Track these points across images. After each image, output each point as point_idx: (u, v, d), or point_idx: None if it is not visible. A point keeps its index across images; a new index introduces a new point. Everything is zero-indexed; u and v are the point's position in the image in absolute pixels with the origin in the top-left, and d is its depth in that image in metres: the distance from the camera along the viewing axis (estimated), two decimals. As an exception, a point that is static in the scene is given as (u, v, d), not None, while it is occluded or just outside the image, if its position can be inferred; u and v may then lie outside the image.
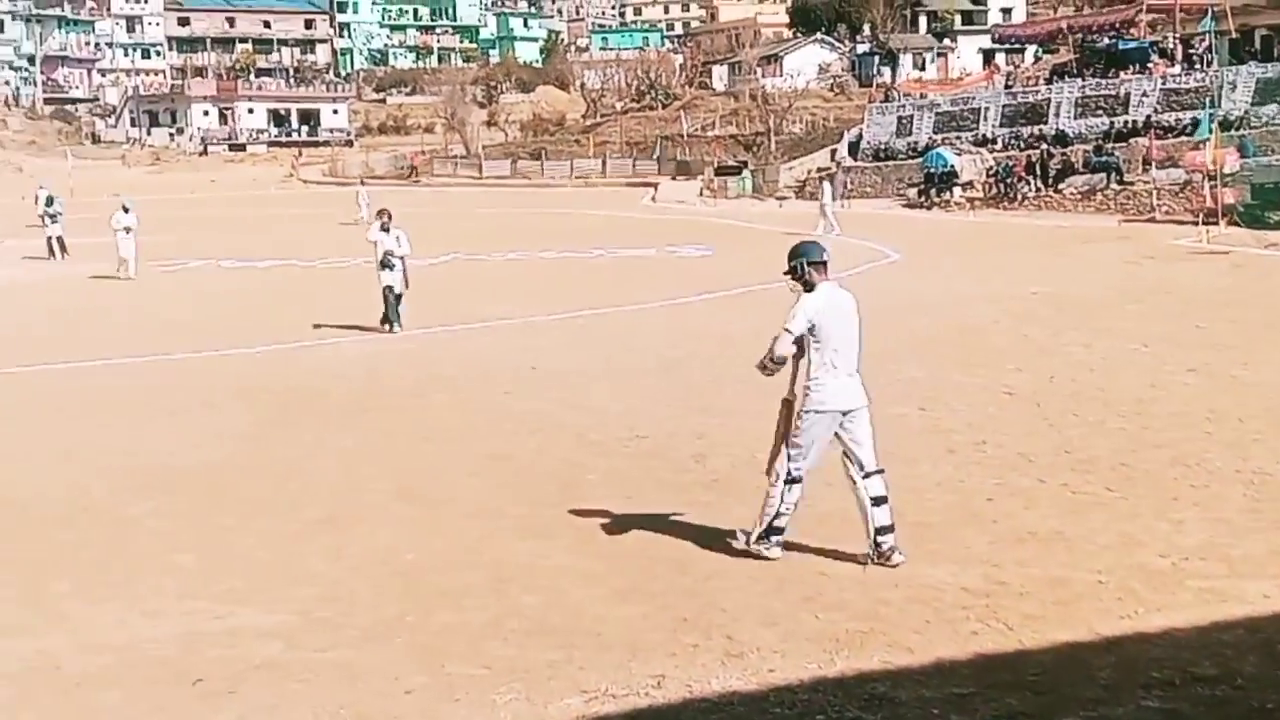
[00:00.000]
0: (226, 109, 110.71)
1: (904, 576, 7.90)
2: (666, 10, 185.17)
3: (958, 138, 52.39)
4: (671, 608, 7.49)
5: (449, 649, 6.93)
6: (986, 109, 53.79)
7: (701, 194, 59.59)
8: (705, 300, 23.11)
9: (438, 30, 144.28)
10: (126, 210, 28.63)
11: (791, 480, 8.11)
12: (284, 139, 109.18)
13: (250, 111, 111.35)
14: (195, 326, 21.28)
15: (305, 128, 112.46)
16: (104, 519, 9.85)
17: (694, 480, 10.49)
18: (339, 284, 27.08)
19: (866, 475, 8.07)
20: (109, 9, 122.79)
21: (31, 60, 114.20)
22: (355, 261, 27.46)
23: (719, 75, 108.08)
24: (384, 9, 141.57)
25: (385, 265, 19.31)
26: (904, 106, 58.91)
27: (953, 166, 47.74)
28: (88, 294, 26.92)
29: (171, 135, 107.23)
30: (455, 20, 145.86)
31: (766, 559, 8.20)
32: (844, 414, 7.99)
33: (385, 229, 19.50)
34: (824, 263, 8.10)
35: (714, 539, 8.73)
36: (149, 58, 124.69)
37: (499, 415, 13.31)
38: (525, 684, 6.41)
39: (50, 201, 34.53)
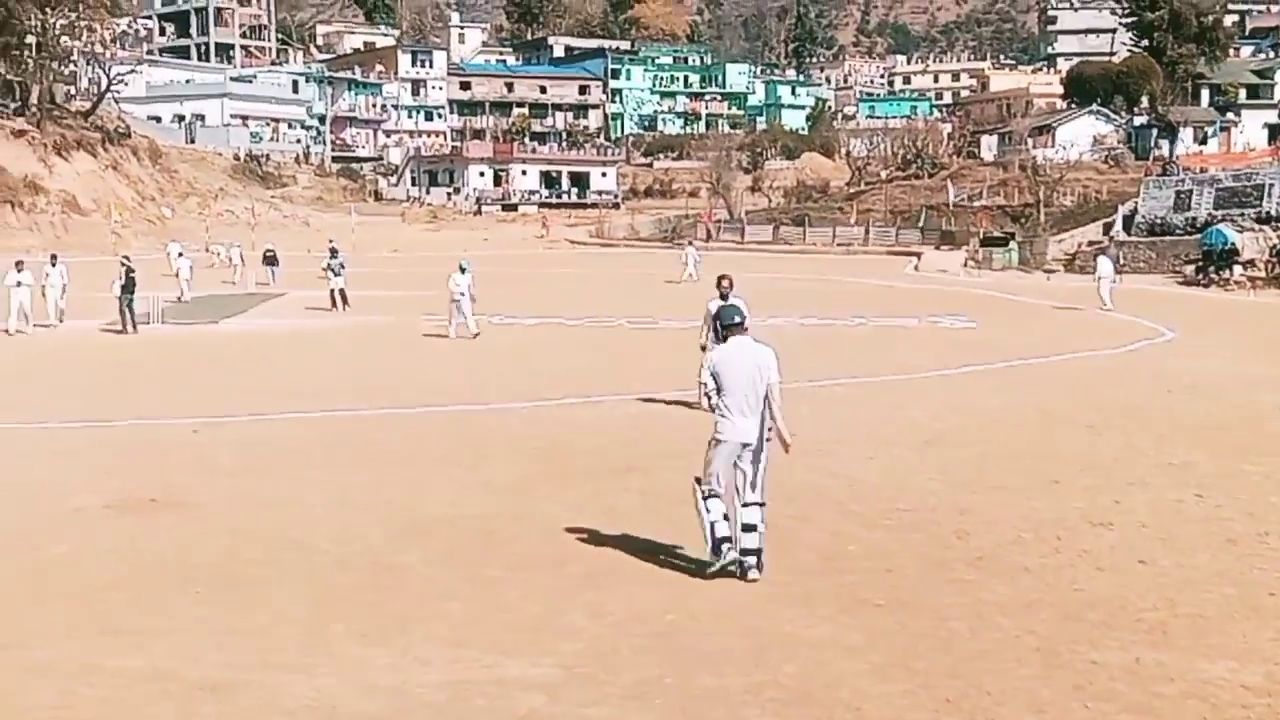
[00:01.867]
0: (501, 170, 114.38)
1: (1180, 670, 7.60)
2: (936, 79, 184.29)
3: (1239, 214, 50.35)
4: (934, 687, 7.37)
5: (708, 713, 6.96)
6: (1271, 185, 51.59)
7: (966, 264, 58.68)
8: (968, 373, 22.71)
9: (706, 97, 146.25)
10: (464, 270, 28.67)
11: (709, 495, 9.67)
12: (554, 200, 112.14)
13: (524, 173, 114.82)
14: (471, 380, 21.91)
15: (575, 189, 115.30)
16: (378, 564, 10.22)
17: (957, 557, 10.31)
18: (643, 343, 27.57)
19: (745, 504, 9.61)
20: (396, 73, 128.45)
21: (322, 120, 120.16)
22: (659, 323, 28.00)
23: (988, 145, 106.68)
24: (655, 76, 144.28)
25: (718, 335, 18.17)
26: (1183, 181, 57.00)
27: (1233, 244, 45.94)
28: (369, 345, 27.98)
29: (449, 194, 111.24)
30: (724, 87, 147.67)
31: (728, 565, 9.50)
32: (741, 446, 9.60)
33: (724, 296, 17.24)
34: (737, 324, 9.94)
35: (978, 618, 8.56)
36: (431, 120, 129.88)
37: (759, 480, 13.31)
38: (784, 753, 6.38)
39: (334, 255, 36.08)
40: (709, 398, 9.98)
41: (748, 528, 9.57)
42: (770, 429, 9.74)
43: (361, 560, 10.30)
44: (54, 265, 30.91)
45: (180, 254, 41.99)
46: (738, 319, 9.99)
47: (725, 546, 9.57)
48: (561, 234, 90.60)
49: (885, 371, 22.71)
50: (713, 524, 9.63)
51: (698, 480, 9.82)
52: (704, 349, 16.91)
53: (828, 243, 75.46)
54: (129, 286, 29.53)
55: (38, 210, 78.46)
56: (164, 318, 31.73)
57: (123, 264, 30.60)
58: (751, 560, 9.57)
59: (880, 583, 9.47)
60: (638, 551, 10.45)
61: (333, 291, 35.32)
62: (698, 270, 46.36)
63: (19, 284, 28.78)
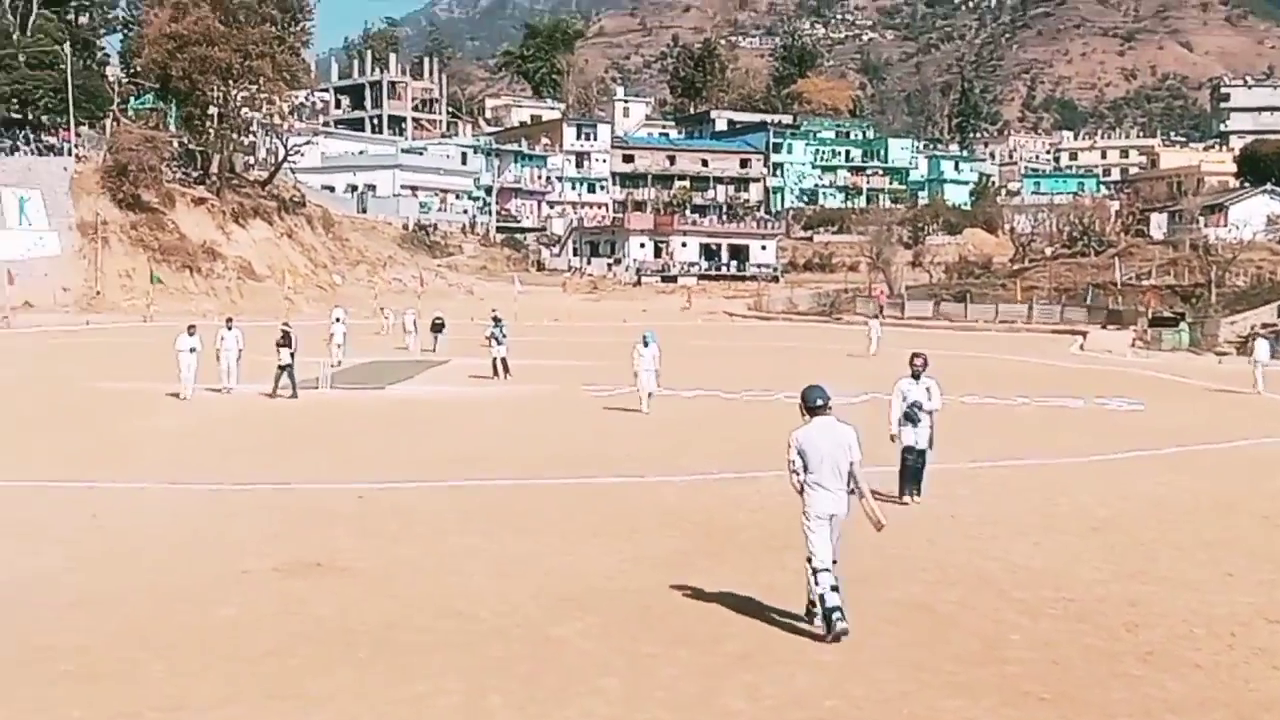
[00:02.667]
0: (662, 242, 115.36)
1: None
2: (1103, 156, 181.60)
3: None
4: (1101, 785, 7.15)
5: (866, 803, 6.84)
6: None
7: (1133, 345, 57.35)
8: (1136, 458, 22.12)
9: (868, 171, 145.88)
10: (647, 343, 27.66)
11: (818, 570, 10.20)
12: (714, 272, 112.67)
13: (684, 245, 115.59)
14: (629, 452, 21.99)
15: (734, 262, 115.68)
16: (536, 636, 10.28)
17: (1126, 650, 10.02)
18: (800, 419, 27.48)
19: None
20: (561, 146, 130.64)
21: (489, 191, 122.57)
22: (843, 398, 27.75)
23: (1157, 223, 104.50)
24: (817, 150, 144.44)
25: (910, 419, 16.74)
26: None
27: None
28: (529, 414, 28.29)
29: (609, 265, 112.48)
30: (886, 162, 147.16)
31: (839, 632, 9.95)
32: (830, 517, 10.28)
33: (916, 376, 17.05)
34: (820, 406, 10.44)
35: (1147, 716, 8.30)
36: (594, 191, 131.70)
37: (919, 562, 13.14)
38: None
39: (498, 324, 36.59)
40: (796, 475, 10.42)
41: (834, 588, 10.16)
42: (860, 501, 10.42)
43: (519, 631, 10.37)
44: (229, 329, 31.14)
45: (339, 319, 43.02)
46: (820, 401, 10.46)
47: (836, 616, 10.05)
48: (720, 306, 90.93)
49: (1049, 454, 22.25)
50: (822, 596, 10.16)
51: (809, 559, 10.27)
52: (893, 438, 16.68)
53: (990, 319, 74.48)
54: (280, 349, 30.08)
55: (215, 275, 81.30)
56: (333, 383, 32.47)
57: (282, 329, 31.28)
58: (839, 615, 10.11)
59: (1045, 675, 9.24)
60: (795, 631, 10.36)
61: (495, 360, 35.81)
62: (879, 345, 46.98)
63: (191, 350, 29.46)
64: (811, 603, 10.37)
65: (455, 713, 8.39)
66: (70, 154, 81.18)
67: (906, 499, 16.50)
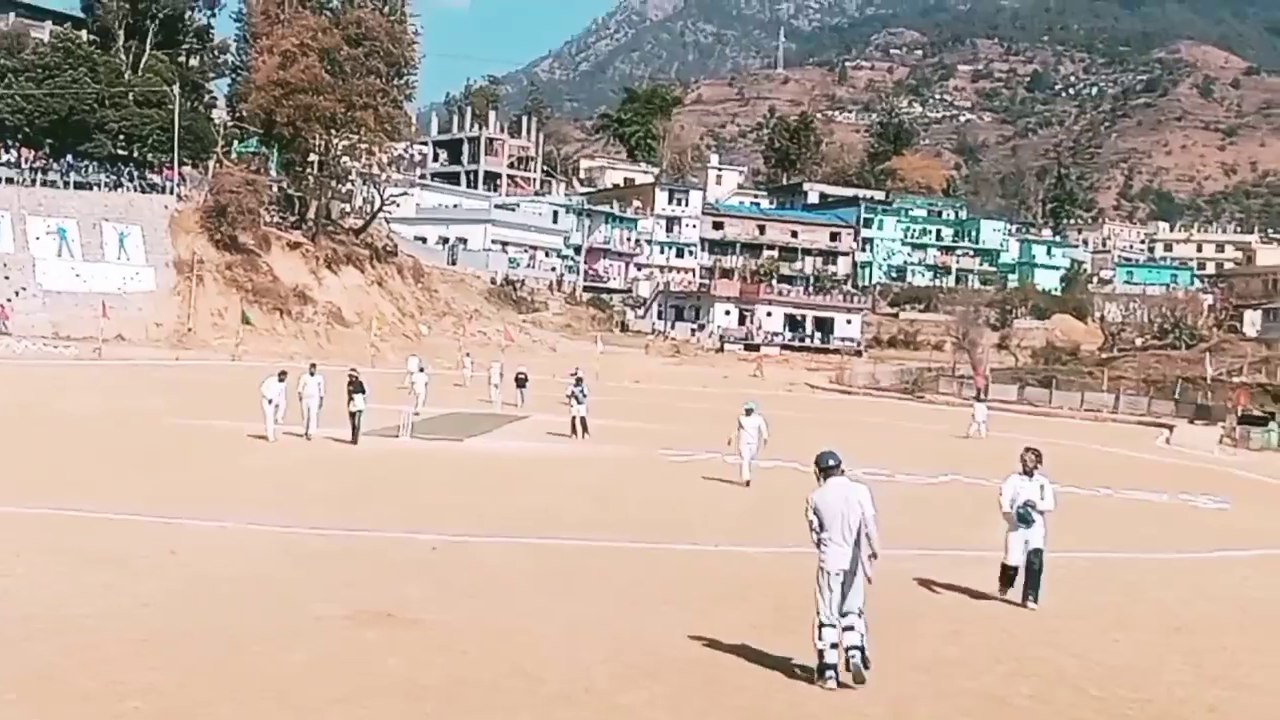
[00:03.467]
0: (746, 310, 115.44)
1: None
2: (1199, 249, 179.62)
3: None
4: None
5: None
6: None
7: (1221, 441, 56.30)
8: (1220, 558, 21.66)
9: (958, 251, 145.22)
10: (750, 413, 27.15)
11: (822, 624, 11.01)
12: (797, 343, 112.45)
13: (769, 314, 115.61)
14: (705, 519, 21.89)
15: (819, 334, 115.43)
16: (603, 703, 10.21)
17: (1204, 757, 9.76)
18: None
19: (845, 614, 10.99)
20: (653, 209, 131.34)
21: (578, 250, 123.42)
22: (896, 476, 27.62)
23: (1251, 320, 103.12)
24: (908, 227, 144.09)
25: (1023, 520, 15.47)
26: None
27: None
28: (607, 475, 28.28)
29: (693, 330, 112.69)
30: (977, 243, 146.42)
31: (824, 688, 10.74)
32: (842, 572, 11.01)
33: (1028, 473, 15.83)
34: (832, 466, 11.32)
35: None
36: (682, 256, 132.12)
37: (995, 653, 12.92)
38: None
39: (579, 383, 36.75)
40: (814, 533, 11.26)
41: (849, 628, 11.00)
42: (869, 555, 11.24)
43: (587, 697, 10.32)
44: (311, 375, 31.39)
45: (421, 369, 43.58)
46: (832, 463, 11.36)
47: (829, 673, 10.94)
48: (802, 377, 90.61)
49: (1131, 548, 21.86)
50: (821, 651, 11.03)
51: (817, 612, 11.11)
52: (1006, 552, 15.62)
53: (1075, 407, 73.48)
54: (353, 395, 30.41)
55: (305, 319, 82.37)
56: (413, 432, 32.70)
57: (350, 375, 31.58)
58: (857, 655, 11.02)
59: (1120, 778, 9.03)
60: (865, 717, 10.20)
61: (574, 419, 35.90)
62: (984, 429, 47.07)
63: (278, 393, 29.74)
64: (821, 654, 11.08)
65: (518, 775, 8.35)
66: (172, 192, 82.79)
67: (1030, 604, 15.23)
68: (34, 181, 77.13)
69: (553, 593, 14.48)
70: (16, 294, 70.94)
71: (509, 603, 13.76)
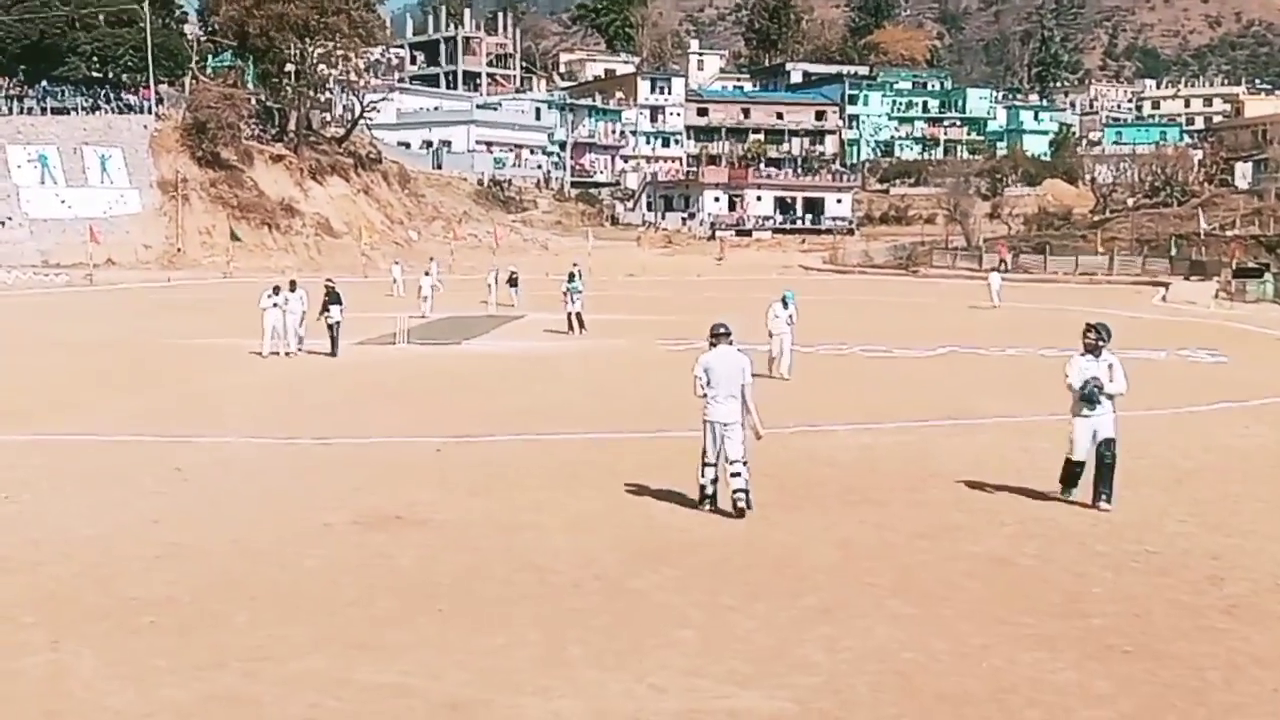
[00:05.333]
0: (736, 195, 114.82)
1: None
2: (1187, 104, 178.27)
3: None
4: (1186, 740, 7.07)
5: (947, 756, 6.82)
6: None
7: (1217, 296, 56.38)
8: (1220, 410, 21.77)
9: (945, 122, 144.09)
10: (786, 303, 26.49)
11: (704, 464, 13.12)
12: (788, 226, 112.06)
13: (758, 199, 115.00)
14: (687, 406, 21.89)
15: (809, 215, 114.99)
16: (613, 588, 10.32)
17: (1209, 604, 9.89)
18: (879, 371, 27.36)
19: (731, 461, 12.88)
20: (635, 100, 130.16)
21: (563, 146, 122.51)
22: (894, 352, 27.53)
23: (1242, 173, 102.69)
24: (893, 101, 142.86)
25: (1088, 400, 13.70)
26: None
27: None
28: (605, 369, 28.33)
29: (683, 219, 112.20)
30: (964, 112, 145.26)
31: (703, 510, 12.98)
32: (724, 424, 12.88)
33: (1093, 350, 14.08)
34: (723, 334, 13.22)
35: (1233, 669, 8.19)
36: (668, 145, 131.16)
37: (997, 516, 13.03)
38: (1027, 803, 6.20)
39: (572, 279, 36.64)
40: (700, 387, 13.01)
41: (735, 474, 12.83)
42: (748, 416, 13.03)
43: (597, 584, 10.41)
44: (293, 290, 30.90)
45: (427, 273, 43.65)
46: (723, 330, 13.25)
47: (707, 501, 13.13)
48: (795, 260, 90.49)
49: (1132, 406, 21.92)
50: (702, 485, 13.20)
51: (702, 454, 13.13)
52: (1072, 446, 13.72)
53: (1070, 271, 73.52)
54: (329, 307, 30.34)
55: (294, 232, 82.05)
56: (410, 338, 32.71)
57: (326, 286, 31.44)
58: (742, 496, 12.87)
59: (1128, 628, 9.14)
60: (872, 586, 10.32)
61: (570, 315, 35.88)
62: (999, 297, 48.32)
63: (274, 305, 29.79)
64: (702, 488, 13.19)
65: (535, 663, 8.45)
66: (150, 112, 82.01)
67: (1104, 505, 13.26)
68: (10, 110, 76.39)
69: (559, 487, 14.56)
70: (2, 224, 70.56)
71: (516, 499, 13.84)
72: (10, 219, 71.24)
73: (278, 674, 8.24)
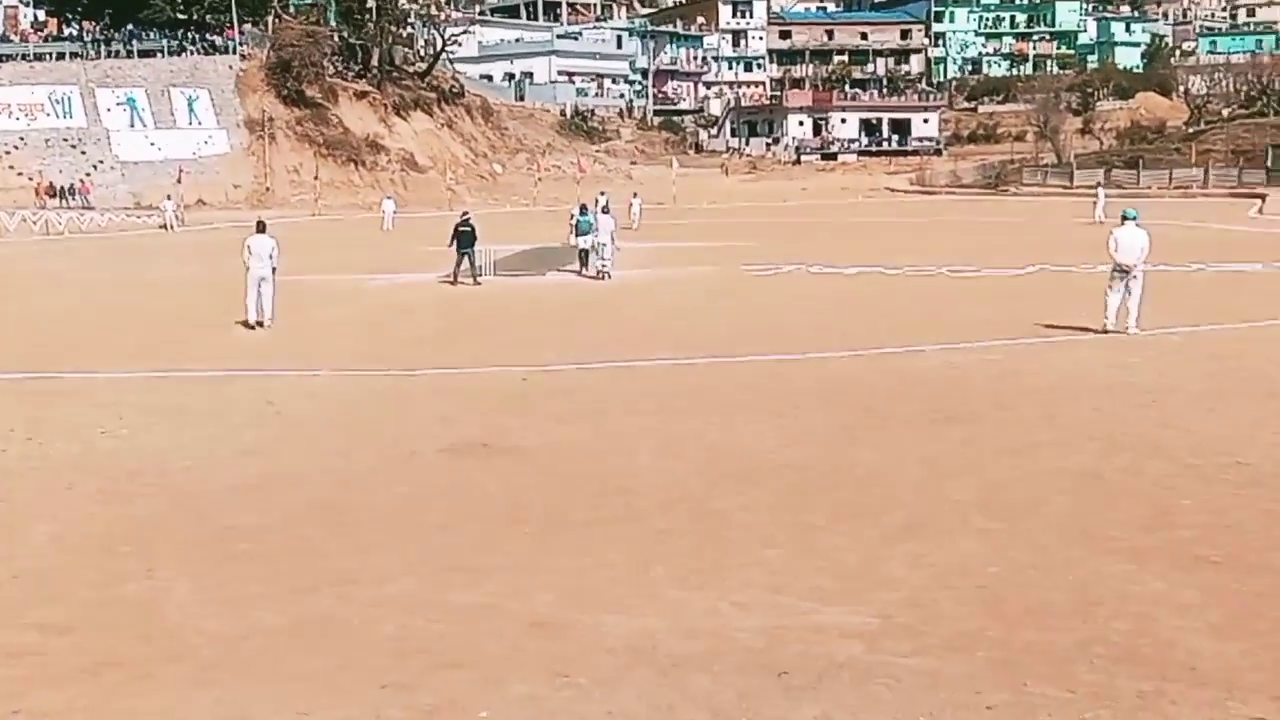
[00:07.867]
0: (821, 119, 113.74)
1: None
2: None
3: None
4: (1275, 648, 7.00)
5: (1032, 668, 6.80)
6: None
7: (1317, 207, 55.09)
8: (1319, 321, 21.34)
9: (1034, 37, 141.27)
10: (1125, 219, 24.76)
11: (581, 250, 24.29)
12: (874, 148, 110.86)
13: (843, 121, 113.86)
14: (790, 329, 21.89)
15: (896, 137, 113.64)
16: (698, 510, 10.36)
17: (1303, 514, 9.73)
18: (959, 292, 27.14)
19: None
20: (717, 25, 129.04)
21: (645, 74, 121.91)
22: (982, 271, 27.31)
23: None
24: (980, 17, 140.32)
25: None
26: None
27: None
28: (689, 295, 28.27)
29: (768, 145, 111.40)
30: (1054, 26, 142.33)
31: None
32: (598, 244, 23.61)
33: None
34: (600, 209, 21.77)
35: (1327, 580, 8.06)
36: (750, 70, 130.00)
37: (1088, 431, 12.89)
38: (1112, 712, 6.18)
39: (584, 211, 33.37)
40: (573, 235, 18.23)
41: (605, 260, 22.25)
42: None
43: (683, 506, 10.46)
44: (260, 232, 24.83)
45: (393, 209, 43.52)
46: (596, 207, 17.47)
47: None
48: (881, 182, 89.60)
49: (1226, 320, 21.56)
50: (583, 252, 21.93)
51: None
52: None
53: (1164, 185, 72.15)
54: (465, 241, 30.60)
55: (379, 168, 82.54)
56: (496, 270, 32.83)
57: (462, 217, 31.66)
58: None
59: (1217, 539, 9.03)
60: (958, 502, 10.28)
61: (580, 252, 32.94)
62: (1104, 213, 48.14)
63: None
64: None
65: (620, 584, 8.52)
66: (235, 52, 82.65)
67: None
68: (98, 54, 77.29)
69: (645, 412, 14.60)
70: (95, 168, 71.65)
71: (603, 425, 13.91)
72: (102, 162, 72.35)
73: (368, 596, 8.38)
